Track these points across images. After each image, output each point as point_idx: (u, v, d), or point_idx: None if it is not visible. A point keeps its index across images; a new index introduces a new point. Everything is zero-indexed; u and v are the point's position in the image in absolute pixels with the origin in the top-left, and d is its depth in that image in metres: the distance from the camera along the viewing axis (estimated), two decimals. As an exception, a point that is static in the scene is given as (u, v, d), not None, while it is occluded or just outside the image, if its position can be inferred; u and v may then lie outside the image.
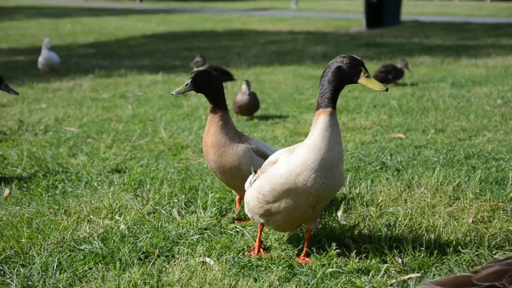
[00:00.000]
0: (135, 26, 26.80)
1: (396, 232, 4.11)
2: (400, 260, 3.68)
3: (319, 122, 3.53)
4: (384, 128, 7.39)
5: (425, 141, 6.65)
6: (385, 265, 3.61)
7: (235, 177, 4.33)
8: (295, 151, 3.60)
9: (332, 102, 3.56)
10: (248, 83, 7.98)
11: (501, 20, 26.34)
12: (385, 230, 4.15)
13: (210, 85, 4.36)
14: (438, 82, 10.84)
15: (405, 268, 3.61)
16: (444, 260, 3.65)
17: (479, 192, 4.86)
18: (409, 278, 3.46)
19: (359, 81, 3.60)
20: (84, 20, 30.50)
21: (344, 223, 4.29)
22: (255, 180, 3.85)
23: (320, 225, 4.19)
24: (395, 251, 3.79)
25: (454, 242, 3.93)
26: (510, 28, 21.60)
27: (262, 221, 3.85)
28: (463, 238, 3.99)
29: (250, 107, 8.03)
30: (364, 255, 3.78)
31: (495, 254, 3.71)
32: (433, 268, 3.57)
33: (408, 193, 4.91)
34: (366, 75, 3.60)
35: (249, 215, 3.98)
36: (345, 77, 3.58)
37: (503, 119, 7.57)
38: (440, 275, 3.48)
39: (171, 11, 37.88)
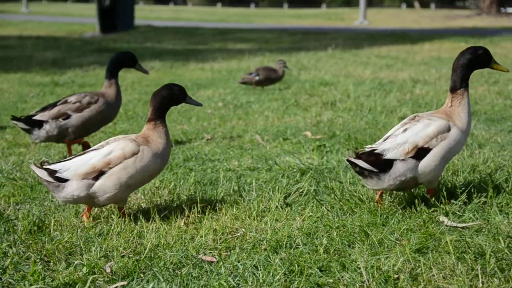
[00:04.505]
0: None
1: (109, 240, 4.09)
2: (109, 269, 3.66)
3: (466, 98, 4.57)
4: (108, 135, 7.31)
5: (147, 146, 6.71)
6: (93, 276, 3.57)
7: None
8: (458, 119, 4.52)
9: (467, 82, 4.59)
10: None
11: (229, 25, 27.76)
12: (98, 239, 4.11)
13: None
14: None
15: (114, 277, 3.59)
16: (152, 266, 3.70)
17: (193, 194, 5.02)
18: (115, 287, 3.45)
19: (493, 65, 4.60)
20: None
21: (59, 237, 4.16)
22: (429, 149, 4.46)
23: (31, 241, 4.02)
24: (103, 260, 3.77)
25: (163, 246, 4.01)
26: (236, 33, 22.84)
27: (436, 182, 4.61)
28: (173, 241, 4.09)
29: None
30: (73, 268, 3.71)
31: (201, 253, 3.86)
32: (141, 275, 3.61)
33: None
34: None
35: (432, 183, 4.55)
36: (482, 63, 4.58)
37: (221, 121, 7.95)
38: (148, 281, 3.52)
39: None
